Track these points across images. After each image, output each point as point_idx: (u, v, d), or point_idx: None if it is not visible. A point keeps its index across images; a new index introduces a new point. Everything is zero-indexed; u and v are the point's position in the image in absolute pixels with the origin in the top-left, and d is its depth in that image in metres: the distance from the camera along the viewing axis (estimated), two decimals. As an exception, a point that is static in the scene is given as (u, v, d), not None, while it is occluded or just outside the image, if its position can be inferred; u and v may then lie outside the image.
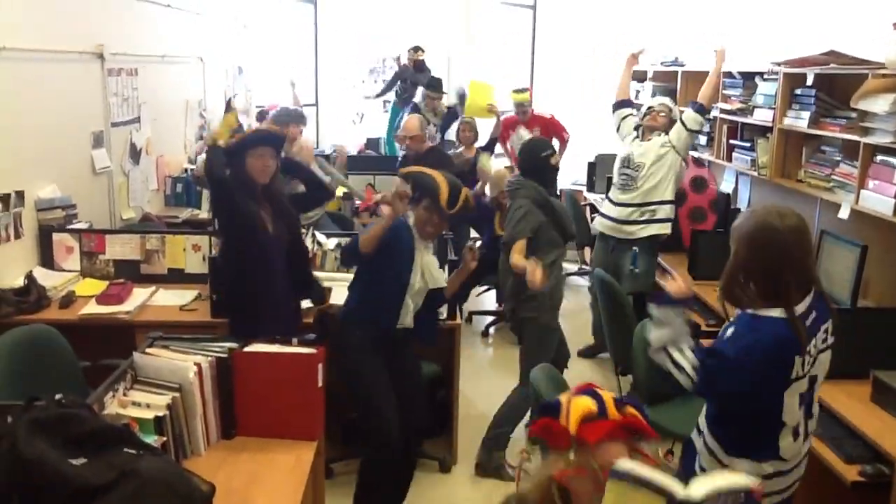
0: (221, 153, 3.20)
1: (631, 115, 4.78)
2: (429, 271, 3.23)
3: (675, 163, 4.45)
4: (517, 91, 6.55)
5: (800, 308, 2.12)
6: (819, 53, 3.61)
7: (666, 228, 4.51)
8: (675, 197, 4.54)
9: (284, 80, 7.50)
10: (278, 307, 3.35)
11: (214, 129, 4.11)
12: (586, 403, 1.57)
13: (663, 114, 4.55)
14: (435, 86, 6.87)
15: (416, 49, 8.01)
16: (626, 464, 1.36)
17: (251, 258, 3.25)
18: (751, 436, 2.20)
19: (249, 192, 3.22)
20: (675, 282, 2.37)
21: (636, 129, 4.65)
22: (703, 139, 5.24)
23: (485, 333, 5.75)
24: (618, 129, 4.80)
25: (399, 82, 8.21)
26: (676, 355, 2.20)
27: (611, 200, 4.65)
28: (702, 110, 4.48)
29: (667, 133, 4.49)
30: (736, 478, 1.40)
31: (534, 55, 8.88)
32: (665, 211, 4.47)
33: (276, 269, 3.31)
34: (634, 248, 4.45)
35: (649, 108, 4.61)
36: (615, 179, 4.62)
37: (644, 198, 4.44)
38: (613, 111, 4.87)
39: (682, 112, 4.56)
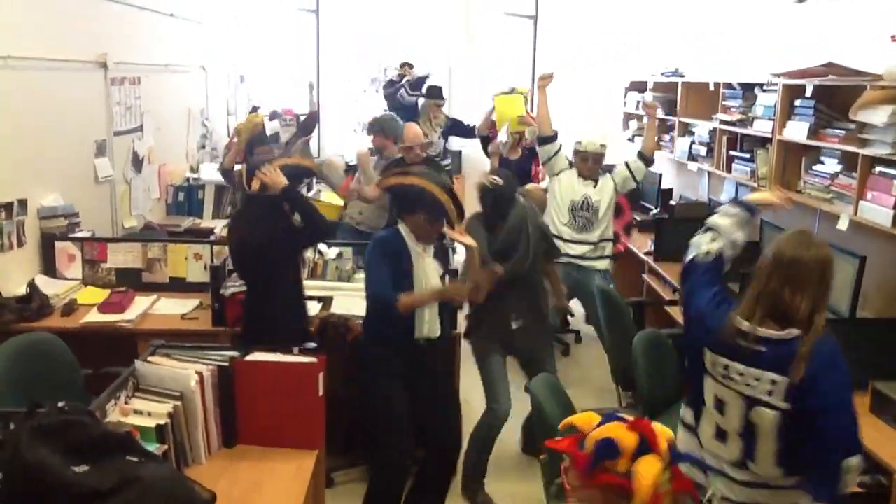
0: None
1: (560, 149, 4.59)
2: (426, 277, 3.15)
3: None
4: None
5: (762, 331, 2.06)
6: (818, 65, 3.63)
7: (610, 265, 4.68)
8: None
9: (301, 84, 7.41)
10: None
11: (240, 123, 4.14)
12: (655, 467, 1.50)
13: (599, 159, 4.47)
14: (437, 94, 6.81)
15: (409, 66, 7.85)
16: None
17: (285, 284, 3.31)
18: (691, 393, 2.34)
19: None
20: (768, 193, 2.59)
21: (571, 164, 4.55)
22: (703, 150, 5.26)
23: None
24: (546, 162, 4.61)
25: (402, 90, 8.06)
26: (702, 236, 2.38)
27: (563, 238, 4.44)
28: (649, 163, 4.60)
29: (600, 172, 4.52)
30: None
31: (535, 65, 8.92)
32: (610, 247, 4.66)
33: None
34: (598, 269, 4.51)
35: (583, 152, 4.45)
36: (566, 219, 4.48)
37: (600, 237, 4.53)
38: (539, 145, 4.66)
39: (628, 162, 4.53)
